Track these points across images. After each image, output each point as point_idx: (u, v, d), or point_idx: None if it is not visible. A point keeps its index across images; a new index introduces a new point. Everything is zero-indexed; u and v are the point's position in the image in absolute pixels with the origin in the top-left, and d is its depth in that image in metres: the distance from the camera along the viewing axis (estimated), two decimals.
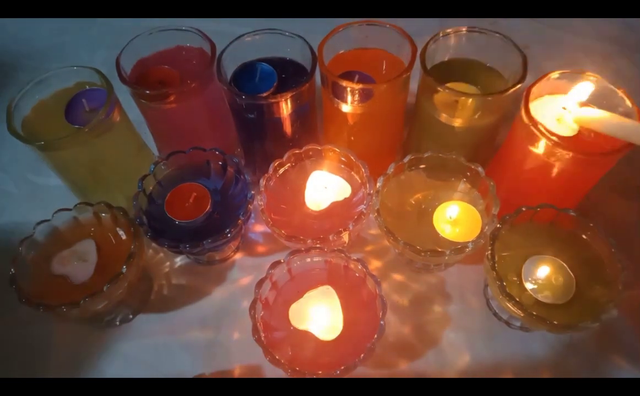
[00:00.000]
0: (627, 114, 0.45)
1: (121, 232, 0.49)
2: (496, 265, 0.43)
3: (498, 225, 0.45)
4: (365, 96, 0.49)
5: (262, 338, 0.41)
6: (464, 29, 0.52)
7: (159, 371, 0.49)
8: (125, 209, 0.48)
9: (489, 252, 0.44)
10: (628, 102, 0.45)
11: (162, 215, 0.49)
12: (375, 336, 0.40)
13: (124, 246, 0.47)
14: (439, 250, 0.45)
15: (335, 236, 0.45)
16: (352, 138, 0.54)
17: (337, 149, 0.51)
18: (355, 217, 0.46)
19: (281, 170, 0.52)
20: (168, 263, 0.56)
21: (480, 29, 0.52)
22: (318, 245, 0.45)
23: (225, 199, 0.51)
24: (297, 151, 0.51)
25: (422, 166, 0.51)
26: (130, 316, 0.52)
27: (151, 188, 0.51)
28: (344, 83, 0.47)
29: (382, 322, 0.41)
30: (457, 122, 0.50)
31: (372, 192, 0.48)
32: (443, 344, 0.49)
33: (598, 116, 0.44)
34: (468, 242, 0.44)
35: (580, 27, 0.76)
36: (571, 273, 0.44)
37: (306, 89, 0.49)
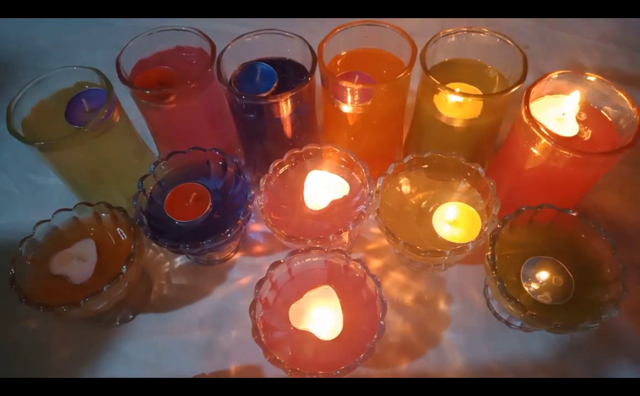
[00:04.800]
0: (627, 114, 0.45)
1: (121, 232, 0.49)
2: (496, 265, 0.43)
3: (498, 225, 0.45)
4: (365, 96, 0.49)
5: (262, 339, 0.41)
6: (464, 29, 0.52)
7: (159, 371, 0.49)
8: (125, 209, 0.48)
9: (489, 252, 0.44)
10: (628, 103, 0.45)
11: (162, 215, 0.49)
12: (375, 336, 0.40)
13: (124, 246, 0.47)
14: (439, 250, 0.45)
15: (335, 236, 0.45)
16: (352, 138, 0.54)
17: (337, 149, 0.51)
18: (355, 217, 0.46)
19: (281, 170, 0.52)
20: (168, 263, 0.56)
21: (480, 29, 0.52)
22: (318, 245, 0.45)
23: (225, 199, 0.51)
24: (297, 151, 0.51)
25: (422, 166, 0.51)
26: (130, 316, 0.52)
27: (151, 188, 0.51)
28: (344, 83, 0.47)
29: (382, 322, 0.41)
30: (457, 122, 0.50)
31: (372, 192, 0.48)
32: (443, 344, 0.49)
33: None
34: (468, 243, 0.44)
35: (580, 27, 0.76)
36: (570, 275, 0.44)
37: (306, 89, 0.49)
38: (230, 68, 0.52)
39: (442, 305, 0.51)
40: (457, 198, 0.50)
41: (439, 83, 0.47)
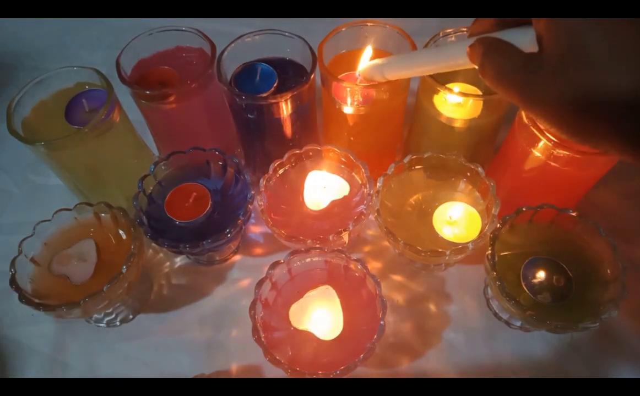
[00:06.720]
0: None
1: (121, 232, 0.49)
2: (496, 265, 0.43)
3: (498, 225, 0.45)
4: (365, 96, 0.49)
5: (262, 339, 0.41)
6: (464, 29, 0.52)
7: (159, 371, 0.49)
8: (125, 209, 0.48)
9: (489, 252, 0.44)
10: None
11: (162, 215, 0.49)
12: (375, 336, 0.40)
13: (124, 246, 0.47)
14: (439, 250, 0.45)
15: (335, 236, 0.45)
16: (352, 138, 0.54)
17: (337, 149, 0.51)
18: (355, 217, 0.46)
19: (281, 171, 0.52)
20: (168, 263, 0.56)
21: None
22: (318, 245, 0.45)
23: (225, 199, 0.51)
24: (297, 151, 0.51)
25: (422, 166, 0.51)
26: (130, 316, 0.52)
27: (151, 188, 0.51)
28: (345, 83, 0.47)
29: (382, 322, 0.41)
30: (457, 122, 0.50)
31: (372, 192, 0.48)
32: (443, 344, 0.49)
33: (380, 62, 0.43)
34: (468, 243, 0.44)
35: None
36: (570, 275, 0.44)
37: (306, 89, 0.49)
38: (230, 68, 0.52)
39: (442, 305, 0.51)
40: (457, 199, 0.50)
41: (439, 83, 0.47)
